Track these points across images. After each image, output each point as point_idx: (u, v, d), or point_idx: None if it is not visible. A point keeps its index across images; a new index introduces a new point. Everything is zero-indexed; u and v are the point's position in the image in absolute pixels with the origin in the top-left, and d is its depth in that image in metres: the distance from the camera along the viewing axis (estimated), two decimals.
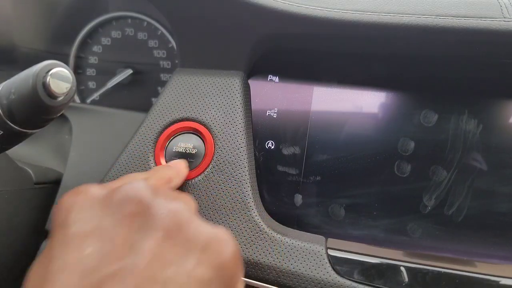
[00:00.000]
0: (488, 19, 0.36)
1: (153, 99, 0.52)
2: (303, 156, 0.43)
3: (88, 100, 0.54)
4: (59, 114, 0.27)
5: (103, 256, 0.23)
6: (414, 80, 0.42)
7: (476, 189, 0.39)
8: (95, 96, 0.53)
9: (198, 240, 0.25)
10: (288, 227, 0.40)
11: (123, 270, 0.22)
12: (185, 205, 0.27)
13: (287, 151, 0.43)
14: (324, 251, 0.36)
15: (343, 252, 0.37)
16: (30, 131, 0.27)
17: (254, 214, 0.37)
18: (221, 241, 0.26)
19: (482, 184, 0.39)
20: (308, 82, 0.44)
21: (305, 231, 0.39)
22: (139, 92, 0.52)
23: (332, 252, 0.37)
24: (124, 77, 0.51)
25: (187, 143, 0.41)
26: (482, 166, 0.39)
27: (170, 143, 0.41)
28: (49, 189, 0.43)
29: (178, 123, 0.42)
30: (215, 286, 0.25)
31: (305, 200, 0.43)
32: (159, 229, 0.24)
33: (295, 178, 0.43)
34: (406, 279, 0.35)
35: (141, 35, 0.51)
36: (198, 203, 0.38)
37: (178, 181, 0.36)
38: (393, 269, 0.36)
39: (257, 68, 0.45)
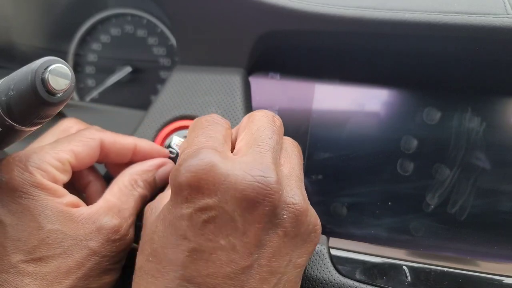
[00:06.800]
0: (491, 15, 0.35)
1: (152, 97, 0.51)
2: (305, 154, 0.42)
3: (88, 99, 0.53)
4: (57, 112, 0.27)
5: (237, 250, 0.26)
6: (416, 77, 0.41)
7: (480, 188, 0.38)
8: (95, 94, 0.53)
9: (306, 232, 0.29)
10: None
11: (253, 264, 0.26)
12: (301, 192, 0.29)
13: None
14: (326, 250, 0.36)
15: (345, 252, 0.37)
16: (28, 128, 0.27)
17: None
18: (318, 229, 0.30)
19: (486, 182, 0.38)
20: (309, 79, 0.44)
21: None
22: (139, 90, 0.52)
23: (334, 252, 0.36)
24: (123, 75, 0.51)
25: None
26: (486, 165, 0.39)
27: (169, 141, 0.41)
28: None
29: (178, 121, 0.42)
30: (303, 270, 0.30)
31: None
32: (281, 227, 0.27)
33: None
34: (409, 279, 0.35)
35: (140, 33, 0.51)
36: None
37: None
38: (396, 269, 0.35)
39: (258, 65, 0.45)
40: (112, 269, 0.33)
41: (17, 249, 0.29)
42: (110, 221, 0.32)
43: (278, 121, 0.33)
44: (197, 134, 0.30)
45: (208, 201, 0.26)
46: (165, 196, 0.32)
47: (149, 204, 0.33)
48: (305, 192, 0.30)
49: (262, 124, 0.31)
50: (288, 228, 0.27)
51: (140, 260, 0.29)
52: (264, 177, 0.26)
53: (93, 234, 0.31)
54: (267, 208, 0.26)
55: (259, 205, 0.26)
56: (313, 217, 0.29)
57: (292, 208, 0.27)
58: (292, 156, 0.31)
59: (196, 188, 0.26)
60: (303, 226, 0.28)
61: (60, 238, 0.30)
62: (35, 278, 0.29)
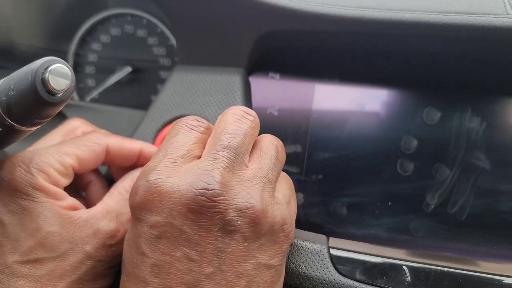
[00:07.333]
0: (491, 15, 0.35)
1: (152, 97, 0.51)
2: (305, 154, 0.42)
3: (88, 99, 0.53)
4: (57, 112, 0.27)
5: (194, 260, 0.26)
6: (417, 77, 0.41)
7: (480, 188, 0.38)
8: (95, 94, 0.53)
9: (271, 233, 0.28)
10: None
11: (215, 270, 0.26)
12: (260, 194, 0.28)
13: (288, 149, 0.43)
14: (326, 250, 0.36)
15: (345, 251, 0.37)
16: (29, 128, 0.27)
17: None
18: (287, 228, 0.29)
19: (486, 182, 0.38)
20: (309, 79, 0.44)
21: (307, 230, 0.39)
22: (139, 90, 0.52)
23: (334, 252, 0.36)
24: (123, 75, 0.51)
25: None
26: (486, 165, 0.39)
27: None
28: None
29: None
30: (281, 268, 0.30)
31: (306, 198, 0.42)
32: (238, 233, 0.27)
33: (297, 177, 0.43)
34: (409, 279, 0.35)
35: (140, 33, 0.51)
36: None
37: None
38: (396, 269, 0.35)
39: (258, 65, 0.45)
40: (107, 274, 0.33)
41: (14, 249, 0.29)
42: (107, 225, 0.32)
43: (249, 119, 0.31)
44: (161, 147, 0.31)
45: (157, 218, 0.27)
46: None
47: None
48: (268, 193, 0.29)
49: (225, 126, 0.30)
50: (246, 233, 0.27)
51: (121, 280, 0.29)
52: (208, 190, 0.26)
53: (90, 238, 0.31)
54: (214, 218, 0.26)
55: (205, 217, 0.26)
56: (278, 217, 0.28)
57: (247, 212, 0.27)
58: (264, 156, 0.31)
59: (144, 208, 0.28)
60: (264, 227, 0.28)
61: (57, 241, 0.30)
62: (30, 280, 0.29)
